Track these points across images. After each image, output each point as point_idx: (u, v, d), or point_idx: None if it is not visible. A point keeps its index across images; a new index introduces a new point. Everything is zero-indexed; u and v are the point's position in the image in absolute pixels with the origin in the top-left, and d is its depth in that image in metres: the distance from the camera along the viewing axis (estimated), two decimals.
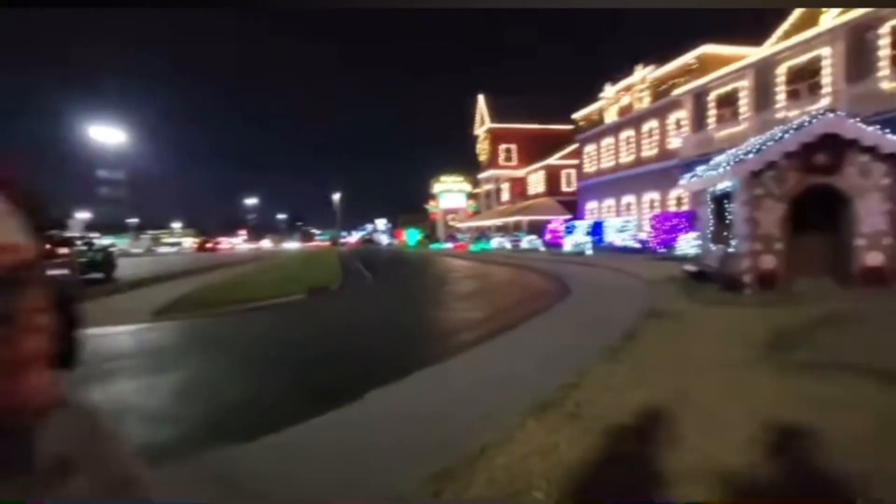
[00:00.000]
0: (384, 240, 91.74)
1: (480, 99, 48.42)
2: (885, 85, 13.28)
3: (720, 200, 9.38)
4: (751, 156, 8.02)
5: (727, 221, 8.89)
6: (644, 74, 25.92)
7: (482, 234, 47.52)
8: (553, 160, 39.24)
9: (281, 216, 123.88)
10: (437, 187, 65.36)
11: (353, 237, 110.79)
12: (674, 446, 2.73)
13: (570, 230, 27.36)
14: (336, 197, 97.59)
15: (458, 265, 24.80)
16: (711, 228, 9.97)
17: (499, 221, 43.15)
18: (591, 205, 30.92)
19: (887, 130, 7.53)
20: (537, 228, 34.54)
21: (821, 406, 3.21)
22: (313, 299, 11.35)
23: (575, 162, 34.92)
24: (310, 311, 10.09)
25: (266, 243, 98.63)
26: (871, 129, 7.52)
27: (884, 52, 13.64)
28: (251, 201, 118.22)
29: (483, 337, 6.28)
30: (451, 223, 61.28)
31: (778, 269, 7.87)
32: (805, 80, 16.08)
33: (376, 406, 3.74)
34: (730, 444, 2.74)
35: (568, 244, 23.92)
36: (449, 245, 50.12)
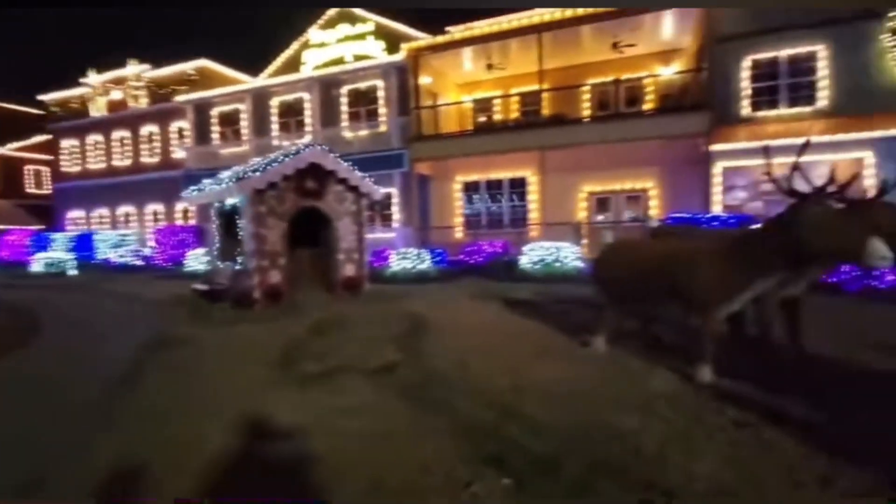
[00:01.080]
0: None
1: None
2: (347, 133, 17.19)
3: (229, 216, 9.28)
4: (255, 174, 8.28)
5: (236, 237, 8.87)
6: (139, 71, 23.24)
7: None
8: (10, 150, 29.26)
9: None
10: None
11: None
12: None
13: (42, 244, 20.99)
14: None
15: None
16: (220, 244, 9.76)
17: None
18: (75, 213, 24.88)
19: (354, 167, 9.54)
20: None
21: (338, 414, 3.36)
22: None
23: (48, 157, 27.30)
24: None
25: None
26: (344, 164, 9.31)
27: (344, 108, 17.64)
28: None
29: None
30: None
31: (282, 284, 8.48)
32: (293, 116, 18.68)
33: None
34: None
35: (39, 263, 18.18)
36: None
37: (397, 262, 11.61)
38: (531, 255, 10.60)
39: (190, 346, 5.76)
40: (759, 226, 3.85)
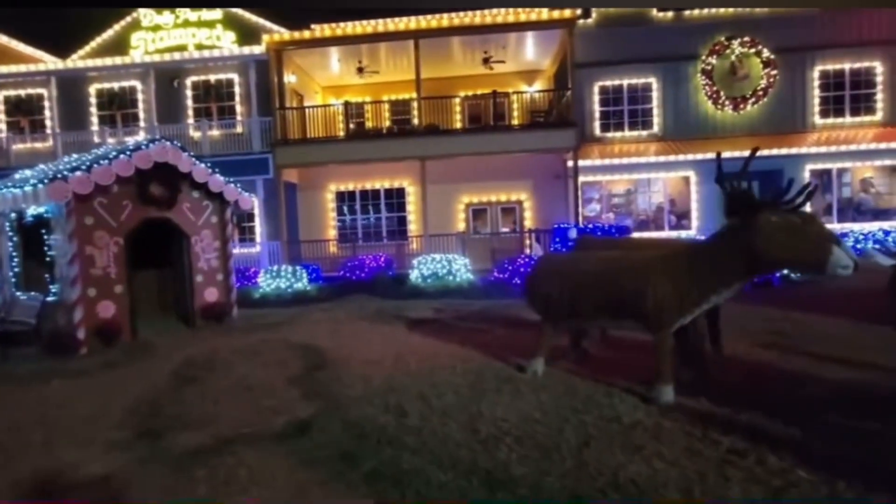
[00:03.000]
0: None
1: None
2: (193, 133, 14.70)
3: (32, 230, 6.93)
4: (76, 174, 6.27)
5: (46, 259, 6.63)
6: None
7: None
8: None
9: None
10: None
11: None
12: None
13: None
14: None
15: None
16: (18, 269, 7.27)
17: None
18: None
19: (215, 170, 7.86)
20: None
21: None
22: None
23: None
24: None
25: None
26: (202, 165, 7.62)
27: (189, 102, 15.11)
28: None
29: None
30: None
31: (120, 317, 6.53)
32: (121, 108, 15.46)
33: None
34: None
35: None
36: None
37: (268, 282, 10.02)
38: (422, 269, 10.00)
39: None
40: (711, 236, 3.77)
